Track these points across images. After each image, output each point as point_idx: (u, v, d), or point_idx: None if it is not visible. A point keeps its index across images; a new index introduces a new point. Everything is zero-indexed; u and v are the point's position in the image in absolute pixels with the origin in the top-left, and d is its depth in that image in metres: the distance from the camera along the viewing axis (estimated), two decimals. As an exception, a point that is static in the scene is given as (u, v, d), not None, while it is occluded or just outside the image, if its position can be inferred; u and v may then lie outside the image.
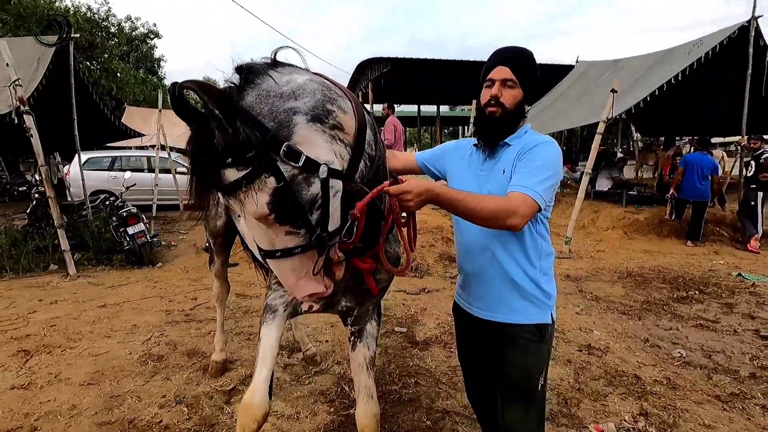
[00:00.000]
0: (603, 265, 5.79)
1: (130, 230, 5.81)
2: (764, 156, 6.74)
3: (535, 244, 1.48)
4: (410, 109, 22.65)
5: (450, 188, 1.37)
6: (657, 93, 7.11)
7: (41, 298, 4.48)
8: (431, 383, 2.75)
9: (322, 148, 1.09)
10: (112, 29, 20.25)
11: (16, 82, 4.97)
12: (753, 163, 6.79)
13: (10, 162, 14.13)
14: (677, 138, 12.95)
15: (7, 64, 4.91)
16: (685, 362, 3.08)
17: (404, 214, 1.33)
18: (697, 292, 4.63)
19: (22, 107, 5.02)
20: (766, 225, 6.88)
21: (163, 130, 9.03)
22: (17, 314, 4.00)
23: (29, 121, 5.05)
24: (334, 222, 1.13)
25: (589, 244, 7.04)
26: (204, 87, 0.93)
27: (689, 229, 6.97)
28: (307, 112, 1.08)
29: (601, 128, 6.40)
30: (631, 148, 14.11)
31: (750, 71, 6.90)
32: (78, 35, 7.01)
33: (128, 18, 21.78)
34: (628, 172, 11.73)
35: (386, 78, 12.92)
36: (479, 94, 1.53)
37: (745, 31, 6.91)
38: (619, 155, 11.45)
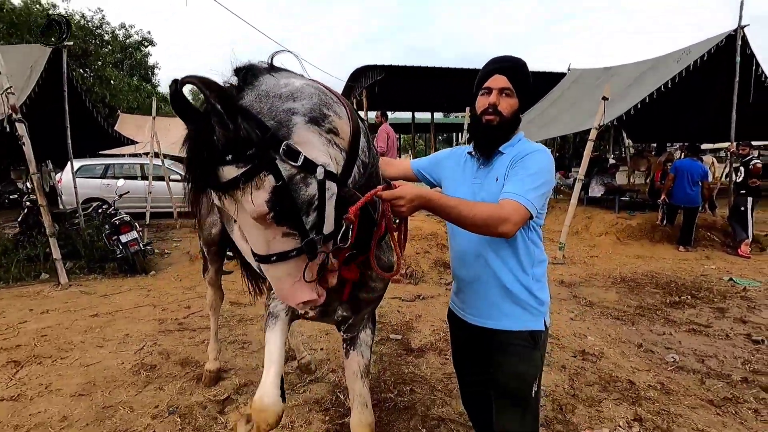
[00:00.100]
0: (596, 270, 5.83)
1: (123, 238, 5.77)
2: (753, 162, 6.86)
3: (528, 251, 1.49)
4: (404, 116, 22.76)
5: (442, 195, 1.38)
6: (647, 100, 7.22)
7: (32, 308, 4.42)
8: (427, 391, 2.74)
9: (319, 150, 1.10)
10: (106, 37, 20.21)
11: (9, 90, 4.94)
12: (742, 168, 6.90)
13: (1, 170, 13.98)
14: (668, 144, 13.10)
15: (0, 72, 4.89)
16: (678, 367, 3.10)
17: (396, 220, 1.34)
18: (689, 296, 4.67)
19: (14, 115, 4.99)
20: (756, 230, 6.98)
21: (156, 137, 9.00)
22: (7, 324, 3.94)
23: (21, 129, 5.02)
24: (328, 226, 1.14)
25: (583, 249, 7.08)
26: (206, 82, 0.93)
27: (681, 234, 7.04)
28: (306, 114, 1.09)
29: (593, 135, 6.48)
30: (623, 155, 14.23)
31: (737, 79, 7.02)
32: (71, 43, 6.99)
33: (122, 26, 21.75)
34: (621, 178, 11.84)
35: (380, 85, 12.99)
36: (473, 101, 1.55)
37: (731, 40, 7.04)
38: (611, 161, 11.56)
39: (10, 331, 3.79)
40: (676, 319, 4.04)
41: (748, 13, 7.07)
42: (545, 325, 1.53)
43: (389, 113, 8.11)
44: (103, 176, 9.95)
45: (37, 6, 17.51)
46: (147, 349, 3.38)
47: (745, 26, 6.96)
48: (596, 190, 9.26)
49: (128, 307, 4.43)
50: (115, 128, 9.85)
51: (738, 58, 6.99)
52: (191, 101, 0.98)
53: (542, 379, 1.57)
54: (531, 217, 1.37)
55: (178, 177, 9.81)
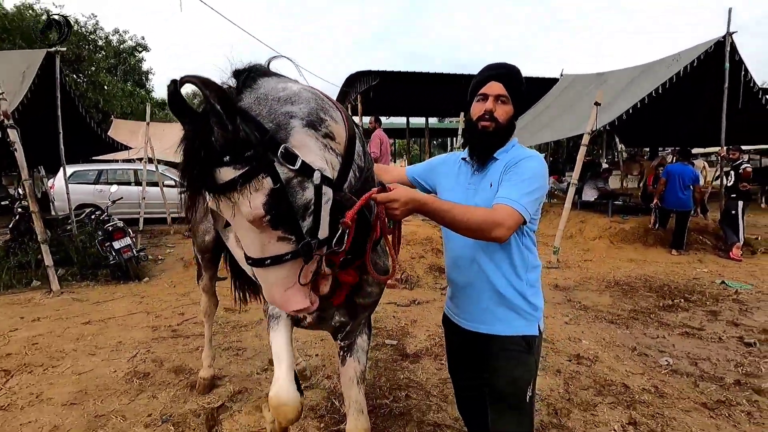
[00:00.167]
0: (591, 274, 5.86)
1: (116, 245, 5.72)
2: (743, 166, 6.95)
3: (522, 257, 1.50)
4: (399, 121, 22.84)
5: (436, 198, 1.39)
6: (639, 106, 7.30)
7: (23, 316, 4.37)
8: (422, 396, 2.74)
9: (316, 155, 1.11)
10: (100, 42, 20.16)
11: (1, 96, 4.92)
12: (733, 173, 6.99)
13: (-8, 176, 13.85)
14: (660, 149, 13.25)
15: (-8, 78, 4.86)
16: (672, 370, 3.11)
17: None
18: (682, 300, 4.71)
19: (6, 121, 4.96)
20: (747, 233, 7.06)
21: (150, 143, 8.96)
22: (-3, 332, 3.89)
23: (13, 135, 4.99)
24: (324, 231, 1.13)
25: (577, 253, 7.12)
26: (206, 82, 0.93)
27: (673, 238, 7.11)
28: (303, 118, 1.09)
29: (585, 140, 6.54)
30: (616, 159, 14.39)
31: (727, 85, 7.13)
32: (65, 49, 6.96)
33: (116, 31, 21.68)
34: (614, 183, 11.96)
35: (375, 91, 13.04)
36: (468, 107, 1.56)
37: (720, 47, 7.15)
38: (605, 166, 11.68)
39: (0, 339, 3.74)
40: (669, 322, 4.07)
41: (735, 21, 7.20)
42: (539, 330, 1.54)
43: (384, 118, 8.15)
44: (96, 182, 9.89)
45: (30, 12, 17.43)
46: (140, 357, 3.34)
47: (733, 33, 7.07)
48: (590, 195, 9.33)
49: (121, 314, 4.39)
50: (108, 134, 9.79)
51: (727, 65, 7.09)
52: (190, 103, 0.98)
53: (537, 384, 1.57)
54: (524, 222, 1.38)
55: (172, 183, 9.77)
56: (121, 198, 7.26)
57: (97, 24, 19.94)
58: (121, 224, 6.03)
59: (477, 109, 1.51)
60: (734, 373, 3.07)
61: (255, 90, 1.07)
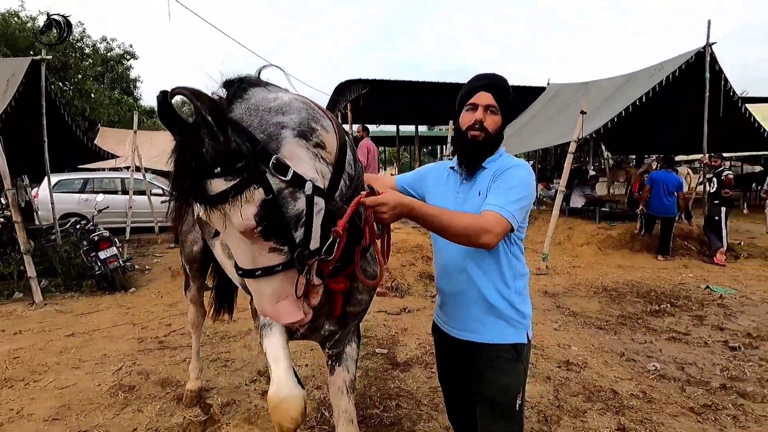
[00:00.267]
0: (579, 280, 5.91)
1: (102, 255, 5.62)
2: (725, 173, 7.12)
3: (510, 265, 1.51)
4: (389, 128, 22.95)
5: (425, 203, 1.40)
6: (623, 114, 7.45)
7: (4, 328, 4.26)
8: (412, 405, 2.72)
9: (307, 165, 1.11)
10: (87, 50, 19.96)
11: (-17, 104, 4.84)
12: (715, 180, 7.15)
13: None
14: (646, 156, 13.50)
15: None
16: (659, 375, 3.15)
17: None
18: (668, 305, 4.77)
19: (-12, 130, 4.88)
20: (730, 238, 7.21)
21: (138, 151, 8.87)
22: (-23, 346, 3.79)
23: (-4, 143, 4.90)
24: (315, 241, 1.13)
25: (565, 260, 7.19)
26: (197, 94, 0.92)
27: (659, 243, 7.22)
28: (294, 128, 1.10)
29: (572, 148, 6.64)
30: (603, 166, 14.62)
31: (708, 94, 7.32)
32: (50, 56, 6.88)
33: (103, 39, 21.52)
34: (601, 189, 12.12)
35: (365, 99, 13.10)
36: (457, 116, 1.58)
37: (701, 57, 7.35)
38: (592, 173, 11.85)
39: (-21, 353, 3.64)
40: (656, 327, 4.12)
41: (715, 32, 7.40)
42: (528, 337, 1.55)
43: (374, 126, 8.19)
44: (82, 191, 9.74)
45: (16, 19, 17.24)
46: (125, 370, 3.28)
47: (713, 44, 7.28)
48: (577, 201, 9.45)
49: (106, 326, 4.30)
50: (94, 142, 9.67)
51: (707, 74, 7.29)
52: (179, 112, 0.97)
53: (527, 391, 1.58)
54: (512, 230, 1.39)
55: (159, 191, 9.66)
56: (108, 207, 7.15)
57: (84, 32, 19.78)
58: (106, 234, 5.94)
59: (467, 118, 1.52)
60: (720, 377, 3.11)
61: (246, 100, 1.07)
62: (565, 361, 3.35)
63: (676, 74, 7.43)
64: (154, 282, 6.13)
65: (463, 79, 1.59)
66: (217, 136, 0.93)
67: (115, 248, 5.76)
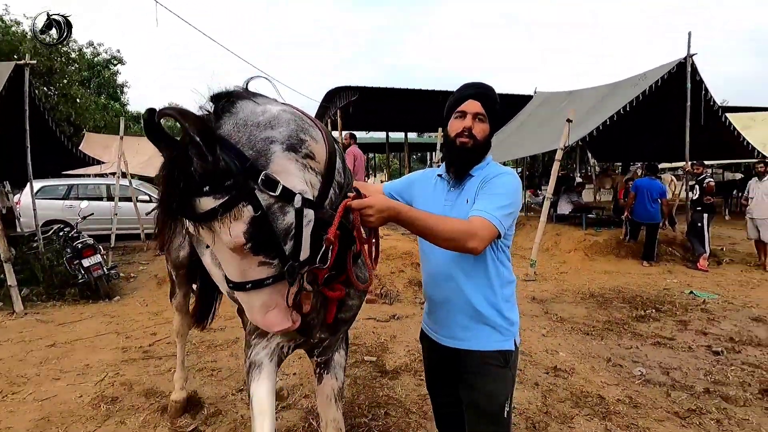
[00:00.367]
0: (567, 286, 5.97)
1: (86, 262, 5.51)
2: (707, 181, 7.29)
3: (498, 272, 1.52)
4: (379, 135, 23.05)
5: (412, 208, 1.40)
6: (608, 122, 7.59)
7: (-18, 339, 4.14)
8: (401, 413, 2.71)
9: (297, 177, 1.11)
10: (73, 54, 19.70)
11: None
12: (697, 187, 7.31)
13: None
14: (631, 163, 13.77)
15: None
16: (645, 380, 3.18)
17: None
18: (654, 310, 4.84)
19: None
20: (712, 244, 7.37)
21: (124, 157, 8.75)
22: (-47, 358, 3.67)
23: (-24, 149, 4.79)
24: (305, 252, 1.13)
25: (553, 266, 7.26)
26: (184, 114, 0.92)
27: (644, 249, 7.34)
28: (283, 142, 1.09)
29: (559, 155, 6.75)
30: (589, 173, 14.86)
31: (689, 103, 7.51)
32: (35, 61, 6.78)
33: (90, 44, 21.28)
34: (587, 196, 12.32)
35: (355, 106, 13.15)
36: (445, 123, 1.60)
37: (682, 68, 7.55)
38: (578, 180, 12.04)
39: (-44, 365, 3.53)
40: (642, 332, 4.18)
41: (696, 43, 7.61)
42: (515, 344, 1.56)
43: (364, 133, 8.22)
44: (66, 197, 9.53)
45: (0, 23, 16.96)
46: (108, 380, 3.20)
47: (693, 55, 7.48)
48: (564, 208, 9.58)
49: (89, 336, 4.21)
50: (79, 148, 9.51)
51: (689, 84, 7.48)
52: (167, 130, 0.96)
53: (515, 397, 1.58)
54: (499, 236, 1.41)
55: (146, 198, 9.53)
56: (92, 214, 7.03)
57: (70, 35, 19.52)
58: (90, 241, 5.82)
59: (455, 125, 1.54)
60: (704, 382, 3.16)
61: (234, 115, 1.06)
62: (552, 367, 3.37)
63: (659, 84, 7.62)
64: (140, 290, 6.02)
65: (452, 87, 1.61)
66: (206, 155, 0.93)
67: (99, 256, 5.65)
